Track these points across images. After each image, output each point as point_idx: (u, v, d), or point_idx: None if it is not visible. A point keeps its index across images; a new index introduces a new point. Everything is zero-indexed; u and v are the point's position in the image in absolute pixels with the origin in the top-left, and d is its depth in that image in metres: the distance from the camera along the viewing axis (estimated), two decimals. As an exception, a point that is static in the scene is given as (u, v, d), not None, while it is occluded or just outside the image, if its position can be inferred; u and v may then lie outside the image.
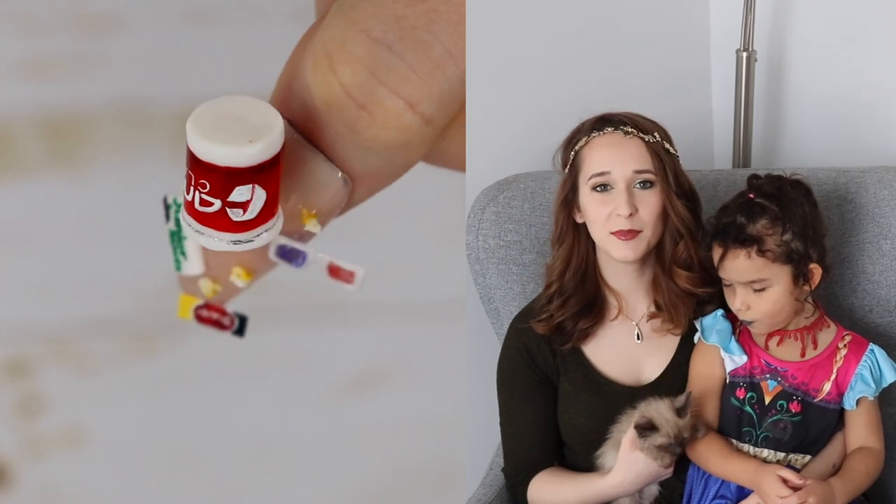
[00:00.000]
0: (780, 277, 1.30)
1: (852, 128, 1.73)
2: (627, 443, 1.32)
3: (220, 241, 0.74)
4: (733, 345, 1.34)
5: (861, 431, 1.35)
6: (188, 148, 0.72)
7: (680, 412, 1.30)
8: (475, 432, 1.50)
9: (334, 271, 0.77)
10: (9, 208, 1.48)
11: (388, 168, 0.75)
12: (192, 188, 0.73)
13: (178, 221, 0.78)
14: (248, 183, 0.72)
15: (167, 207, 0.79)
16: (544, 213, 1.53)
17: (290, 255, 0.77)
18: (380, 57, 0.71)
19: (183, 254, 0.79)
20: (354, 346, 1.51)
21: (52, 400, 1.50)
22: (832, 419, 1.34)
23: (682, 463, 1.38)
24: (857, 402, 1.33)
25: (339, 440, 1.52)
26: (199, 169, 0.72)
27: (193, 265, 0.79)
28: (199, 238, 0.75)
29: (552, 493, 1.40)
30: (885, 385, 1.35)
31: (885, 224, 1.47)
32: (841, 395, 1.34)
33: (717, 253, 1.32)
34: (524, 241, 1.53)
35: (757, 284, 1.30)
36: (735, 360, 1.34)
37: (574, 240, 1.38)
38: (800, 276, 1.31)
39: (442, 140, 0.77)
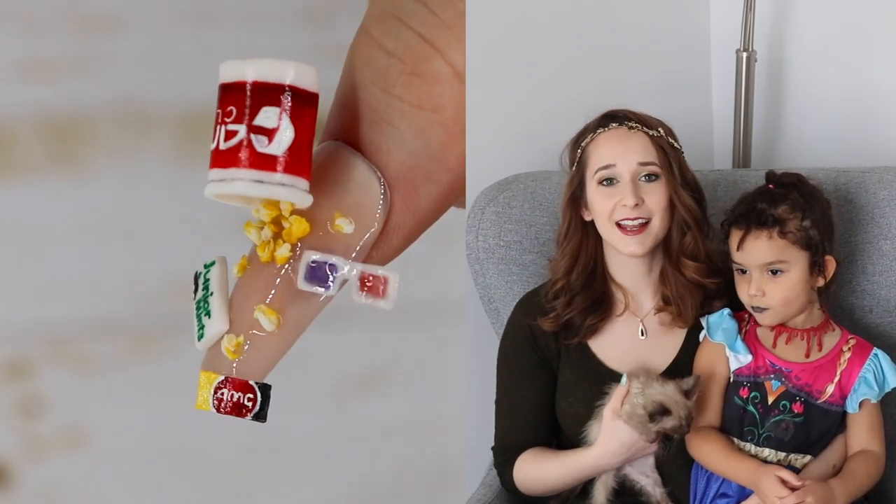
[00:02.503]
0: (797, 262, 1.31)
1: (852, 128, 1.73)
2: (609, 412, 1.32)
3: (242, 181, 0.68)
4: (739, 344, 1.35)
5: (863, 434, 1.35)
6: (219, 86, 0.69)
7: (688, 394, 1.30)
8: (475, 432, 1.50)
9: (366, 281, 0.72)
10: (9, 208, 1.48)
11: (424, 162, 0.73)
12: (218, 127, 0.69)
13: (206, 283, 0.73)
14: (276, 105, 0.68)
15: (196, 278, 0.74)
16: (544, 213, 1.53)
17: (320, 274, 0.71)
18: (406, 6, 0.71)
19: (208, 313, 0.72)
20: (354, 347, 1.51)
21: (52, 400, 1.50)
22: (834, 421, 1.34)
23: (686, 459, 1.38)
24: (860, 404, 1.34)
25: (339, 441, 1.52)
26: (226, 96, 0.69)
27: (218, 322, 0.72)
28: (220, 187, 0.69)
29: (537, 470, 1.40)
30: (888, 389, 1.35)
31: (885, 224, 1.47)
32: (844, 397, 1.34)
33: (736, 236, 1.32)
34: (524, 241, 1.53)
35: (776, 265, 1.31)
36: (740, 359, 1.34)
37: (582, 237, 1.39)
38: (815, 265, 1.32)
39: None
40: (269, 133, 0.68)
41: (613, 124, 1.35)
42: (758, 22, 1.71)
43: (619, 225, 1.34)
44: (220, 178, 0.69)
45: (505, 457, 1.43)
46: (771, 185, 1.34)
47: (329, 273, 0.71)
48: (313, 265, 0.71)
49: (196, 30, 1.48)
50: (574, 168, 1.38)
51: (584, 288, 1.39)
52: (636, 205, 1.32)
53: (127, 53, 1.47)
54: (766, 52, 1.75)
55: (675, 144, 1.36)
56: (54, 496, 1.51)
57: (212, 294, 0.72)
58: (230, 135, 0.68)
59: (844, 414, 1.35)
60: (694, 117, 1.81)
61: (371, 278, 0.72)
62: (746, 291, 1.33)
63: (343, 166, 0.72)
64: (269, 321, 0.71)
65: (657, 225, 1.34)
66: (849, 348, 1.35)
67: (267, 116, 0.68)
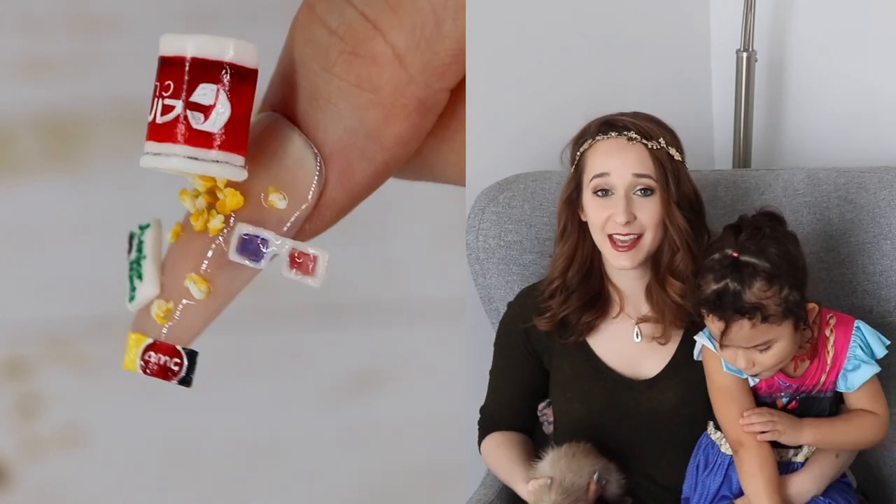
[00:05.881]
0: (783, 332, 1.26)
1: (852, 128, 1.73)
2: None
3: (177, 157, 0.69)
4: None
5: (863, 402, 1.34)
6: (158, 59, 0.70)
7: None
8: (475, 432, 1.50)
9: (295, 259, 0.72)
10: (8, 208, 1.48)
11: (360, 140, 0.72)
12: (155, 100, 0.69)
13: (140, 246, 0.74)
14: (213, 83, 0.69)
15: (131, 239, 0.75)
16: (544, 213, 1.53)
17: (251, 247, 0.71)
18: None
19: (140, 276, 0.73)
20: (354, 347, 1.51)
21: (51, 400, 1.50)
22: (828, 404, 1.34)
23: (675, 468, 1.38)
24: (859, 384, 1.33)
25: (338, 440, 1.52)
26: (164, 69, 0.69)
27: (149, 286, 0.73)
28: (154, 161, 0.69)
29: (491, 458, 1.47)
30: (876, 359, 1.34)
31: (885, 224, 1.47)
32: (835, 381, 1.33)
33: (717, 326, 1.26)
34: (524, 241, 1.53)
35: (762, 347, 1.27)
36: (749, 380, 1.33)
37: (579, 237, 1.38)
38: (800, 322, 1.27)
39: (432, 153, 0.76)
40: (206, 110, 0.69)
41: (613, 133, 1.34)
42: (758, 22, 1.71)
43: (610, 238, 1.34)
44: (156, 152, 0.69)
45: (484, 424, 1.48)
46: (735, 254, 1.26)
47: (260, 247, 0.72)
48: (245, 238, 0.72)
49: (195, 30, 1.47)
50: (572, 170, 1.38)
51: (581, 286, 1.39)
52: (628, 222, 1.32)
53: (126, 53, 1.47)
54: (766, 52, 1.75)
55: (676, 156, 1.35)
56: (53, 496, 1.51)
57: (144, 258, 0.73)
58: (167, 109, 0.69)
59: (838, 393, 1.34)
60: (694, 117, 1.81)
61: (301, 255, 0.72)
62: (736, 364, 1.29)
63: (280, 140, 0.72)
64: (199, 290, 0.72)
65: (649, 240, 1.34)
66: (831, 329, 1.33)
67: (204, 93, 0.69)
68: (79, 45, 1.47)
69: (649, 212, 1.33)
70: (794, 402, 1.33)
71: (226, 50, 0.69)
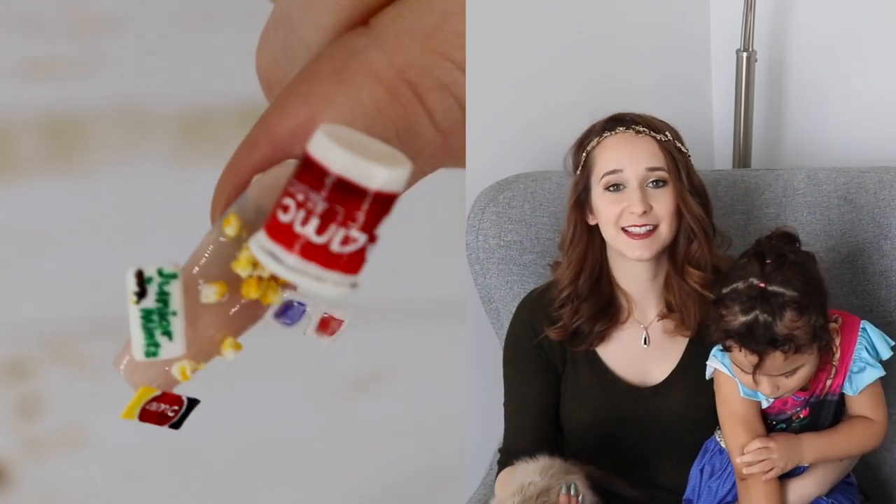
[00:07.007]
0: (811, 357, 1.26)
1: (852, 128, 1.73)
2: None
3: (339, 285, 0.64)
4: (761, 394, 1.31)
5: (864, 406, 1.33)
6: (336, 178, 0.62)
7: None
8: (475, 432, 1.50)
9: (324, 323, 0.69)
10: (9, 208, 1.48)
11: None
12: (333, 226, 0.63)
13: (162, 296, 0.68)
14: (390, 212, 0.64)
15: (145, 282, 0.69)
16: (545, 213, 1.53)
17: (291, 313, 0.68)
18: (444, 67, 0.68)
19: (168, 334, 0.68)
20: (354, 347, 1.51)
21: (51, 401, 1.50)
22: (838, 406, 1.34)
23: (679, 472, 1.38)
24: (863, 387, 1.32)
25: (339, 441, 1.52)
26: (355, 200, 0.62)
27: (178, 346, 0.68)
28: (316, 286, 0.64)
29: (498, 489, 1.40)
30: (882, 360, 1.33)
31: (885, 224, 1.47)
32: (841, 384, 1.33)
33: (749, 359, 1.24)
34: (524, 241, 1.53)
35: (790, 373, 1.26)
36: (762, 402, 1.33)
37: (588, 242, 1.37)
38: (823, 343, 1.27)
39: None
40: (376, 239, 0.65)
41: (620, 128, 1.34)
42: (758, 22, 1.70)
43: (625, 230, 1.32)
44: (317, 278, 0.64)
45: (504, 459, 1.41)
46: (763, 284, 1.24)
47: (298, 312, 0.69)
48: (290, 305, 0.68)
49: (196, 30, 1.48)
50: (579, 172, 1.36)
51: (592, 294, 1.37)
52: (644, 212, 1.31)
53: (126, 53, 1.47)
54: (766, 52, 1.75)
55: (683, 149, 1.35)
56: (53, 496, 1.51)
57: (174, 314, 0.68)
58: (349, 240, 0.63)
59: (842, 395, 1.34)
60: (694, 117, 1.81)
61: (331, 320, 0.70)
62: (759, 389, 1.27)
63: None
64: (234, 353, 0.70)
65: (664, 231, 1.32)
66: (837, 331, 1.31)
67: (382, 225, 0.65)
68: (79, 45, 1.47)
69: (664, 202, 1.32)
70: (805, 410, 1.33)
71: (402, 180, 0.64)
